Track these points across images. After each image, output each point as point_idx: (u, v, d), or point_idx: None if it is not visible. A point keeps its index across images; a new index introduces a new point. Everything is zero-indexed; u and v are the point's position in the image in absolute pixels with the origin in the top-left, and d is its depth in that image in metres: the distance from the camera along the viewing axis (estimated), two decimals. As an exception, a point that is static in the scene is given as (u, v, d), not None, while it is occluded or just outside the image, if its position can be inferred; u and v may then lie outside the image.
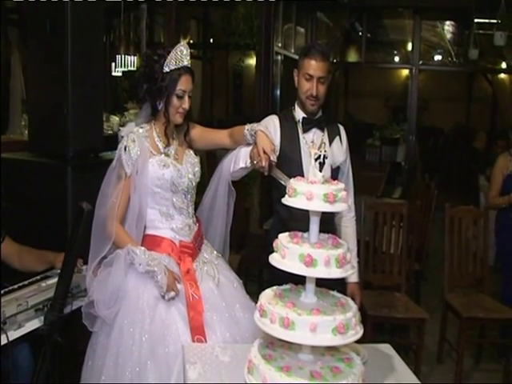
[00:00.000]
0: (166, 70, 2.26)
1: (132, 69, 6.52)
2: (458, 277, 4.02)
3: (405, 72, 11.77)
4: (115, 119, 4.70)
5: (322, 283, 1.80)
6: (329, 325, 1.63)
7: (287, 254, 1.72)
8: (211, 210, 2.52)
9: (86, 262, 2.32)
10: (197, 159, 2.43)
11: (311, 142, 2.63)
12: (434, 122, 12.47)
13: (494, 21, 7.36)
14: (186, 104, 2.31)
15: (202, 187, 2.50)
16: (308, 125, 2.65)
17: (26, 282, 2.37)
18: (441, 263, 4.12)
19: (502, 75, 10.84)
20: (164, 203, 2.33)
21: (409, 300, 3.89)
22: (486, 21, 8.33)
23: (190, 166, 2.38)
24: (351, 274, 1.79)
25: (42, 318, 2.21)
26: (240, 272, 3.63)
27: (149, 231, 2.34)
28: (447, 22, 10.67)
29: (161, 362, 2.14)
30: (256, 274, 4.90)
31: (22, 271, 2.57)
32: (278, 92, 7.90)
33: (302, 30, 9.21)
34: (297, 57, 2.82)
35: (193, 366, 1.91)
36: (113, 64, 6.69)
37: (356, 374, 1.69)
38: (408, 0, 8.87)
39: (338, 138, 2.74)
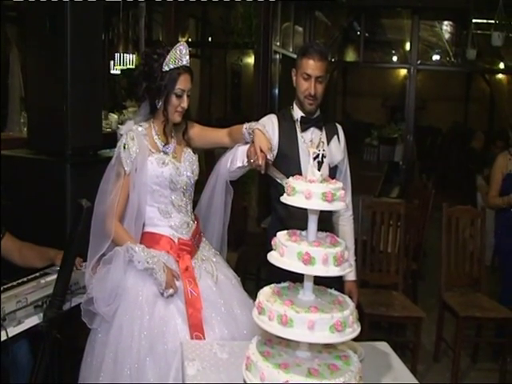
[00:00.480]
0: (166, 69, 2.27)
1: (130, 67, 6.49)
2: (454, 276, 4.03)
3: (403, 72, 11.78)
4: (114, 117, 4.71)
5: (320, 281, 1.81)
6: (326, 322, 1.64)
7: (285, 251, 1.72)
8: (209, 208, 2.52)
9: (85, 259, 2.33)
10: (195, 157, 2.44)
11: (309, 141, 2.63)
12: (432, 121, 12.51)
13: (492, 21, 7.35)
14: (184, 103, 2.32)
15: (200, 185, 2.51)
16: (306, 124, 2.66)
17: (25, 279, 2.39)
18: (438, 262, 4.12)
19: (500, 75, 10.84)
20: (163, 201, 2.33)
21: (406, 299, 3.90)
22: (484, 21, 8.34)
23: (188, 164, 2.39)
24: (349, 272, 1.81)
25: (42, 314, 2.22)
26: (238, 270, 3.62)
27: (147, 229, 2.35)
28: (445, 22, 10.67)
29: (159, 358, 2.15)
30: (254, 272, 4.90)
31: (22, 267, 2.58)
32: (276, 91, 7.89)
33: (301, 29, 9.21)
34: (295, 56, 2.82)
35: (191, 362, 1.91)
36: (111, 62, 6.68)
37: (353, 372, 1.69)
38: (406, 0, 8.88)
39: (335, 137, 2.74)
